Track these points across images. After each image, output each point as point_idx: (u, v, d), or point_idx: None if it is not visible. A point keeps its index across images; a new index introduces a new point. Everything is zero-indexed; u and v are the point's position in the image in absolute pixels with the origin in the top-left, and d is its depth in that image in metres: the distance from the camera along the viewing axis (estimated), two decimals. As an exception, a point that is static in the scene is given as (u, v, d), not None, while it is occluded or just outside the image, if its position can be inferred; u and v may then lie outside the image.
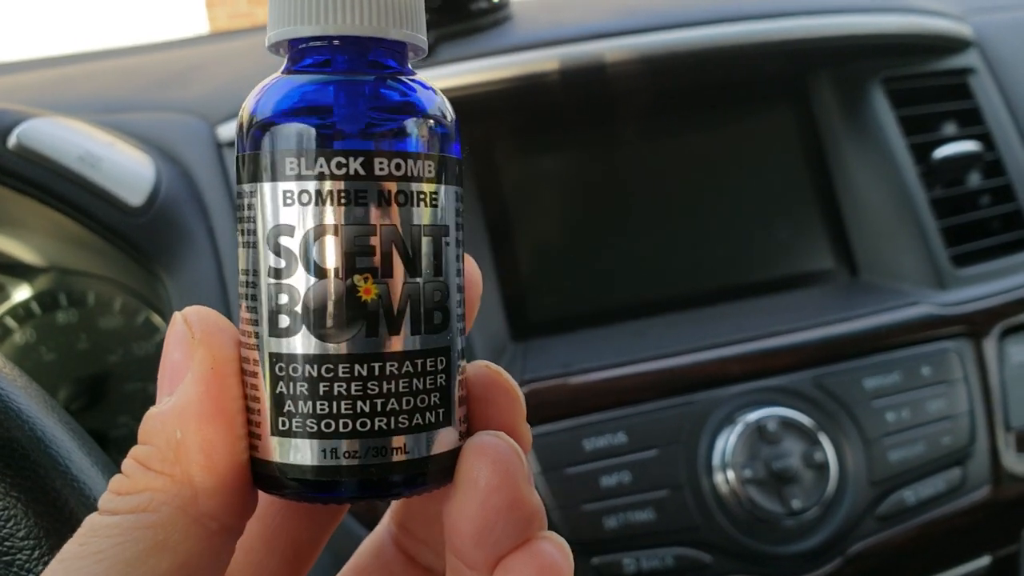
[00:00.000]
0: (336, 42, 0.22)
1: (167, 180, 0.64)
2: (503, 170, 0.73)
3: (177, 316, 0.22)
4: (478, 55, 0.67)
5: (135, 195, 0.62)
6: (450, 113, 0.23)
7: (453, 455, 0.22)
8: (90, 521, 0.21)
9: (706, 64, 0.72)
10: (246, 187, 0.22)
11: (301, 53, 0.23)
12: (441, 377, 0.22)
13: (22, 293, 0.72)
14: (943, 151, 0.75)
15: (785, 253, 0.77)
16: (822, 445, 0.63)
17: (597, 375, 0.64)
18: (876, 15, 0.76)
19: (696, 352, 0.65)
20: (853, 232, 0.77)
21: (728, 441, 0.62)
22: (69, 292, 0.72)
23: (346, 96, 0.22)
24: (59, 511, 0.30)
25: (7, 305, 0.72)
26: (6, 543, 0.29)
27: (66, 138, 0.60)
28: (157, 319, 0.71)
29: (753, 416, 0.63)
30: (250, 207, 0.22)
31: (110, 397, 0.71)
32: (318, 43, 0.22)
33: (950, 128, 0.79)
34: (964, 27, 0.80)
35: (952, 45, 0.79)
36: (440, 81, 0.66)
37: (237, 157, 0.23)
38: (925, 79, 0.78)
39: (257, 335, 0.22)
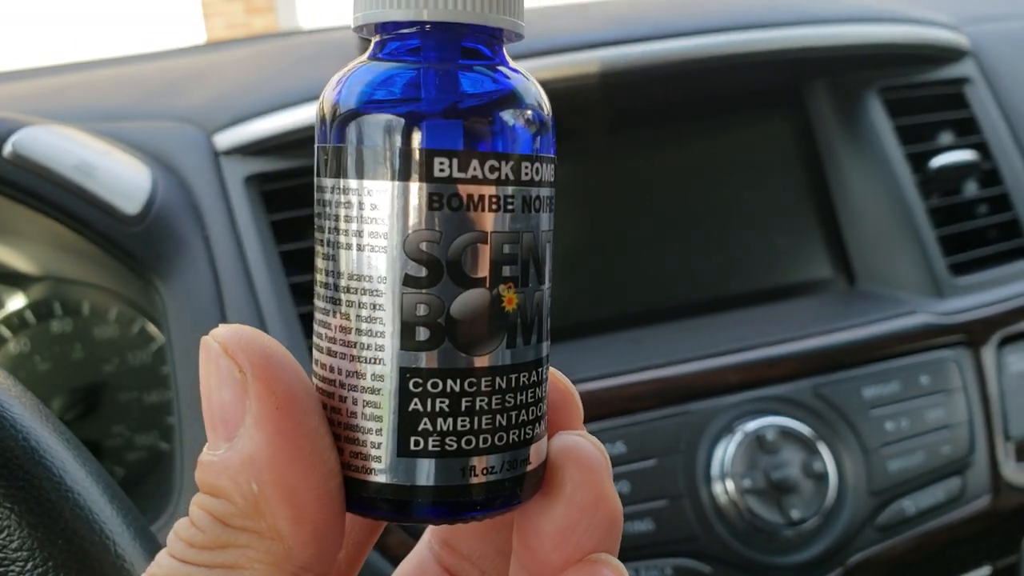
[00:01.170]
0: (428, 27, 0.20)
1: (163, 189, 0.64)
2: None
3: (211, 344, 0.19)
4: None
5: (131, 204, 0.61)
6: (548, 108, 0.22)
7: (544, 467, 0.22)
8: (162, 565, 0.19)
9: (702, 74, 0.73)
10: (354, 183, 0.20)
11: (391, 37, 0.21)
12: (543, 386, 0.22)
13: (16, 302, 0.72)
14: (940, 160, 0.75)
15: (783, 262, 0.77)
16: (821, 455, 0.63)
17: (595, 384, 0.63)
18: (872, 25, 0.76)
19: (694, 361, 0.65)
20: (851, 241, 0.77)
21: (727, 451, 0.62)
22: (64, 301, 0.71)
23: (459, 89, 0.20)
24: (53, 523, 0.30)
25: (1, 314, 0.71)
26: (-1, 555, 0.29)
27: (62, 146, 0.60)
28: (152, 329, 0.71)
29: (752, 425, 0.63)
30: (359, 205, 0.20)
31: (105, 407, 0.71)
32: (409, 28, 0.21)
33: (947, 137, 0.79)
34: (960, 37, 0.80)
35: (948, 55, 0.79)
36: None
37: (324, 148, 0.21)
38: (921, 88, 0.79)
39: (371, 348, 0.20)
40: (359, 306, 0.20)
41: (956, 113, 0.79)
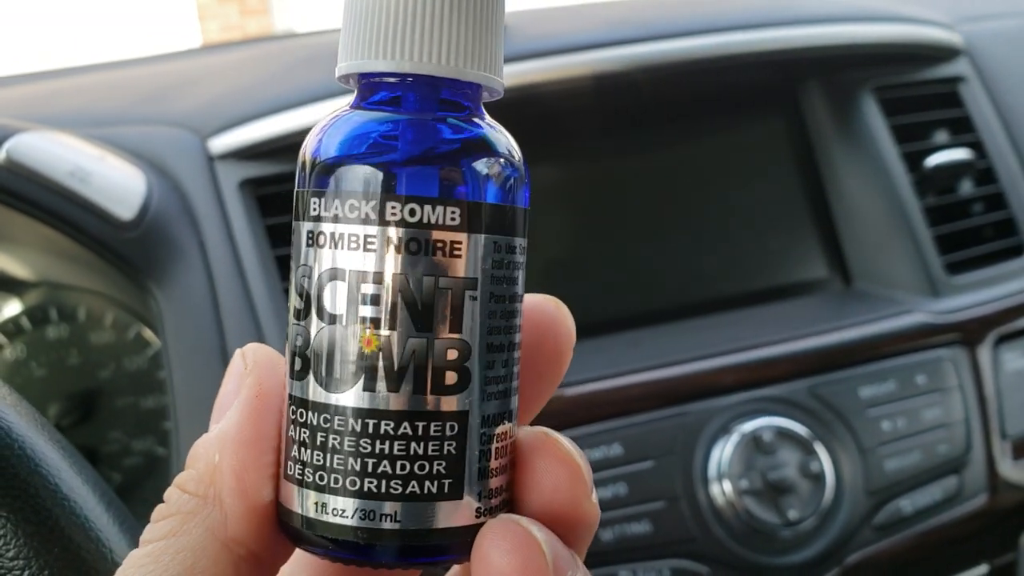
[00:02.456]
0: (409, 80, 0.21)
1: (158, 194, 0.64)
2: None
3: (237, 352, 0.23)
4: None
5: (126, 209, 0.61)
6: (518, 162, 0.22)
7: (468, 532, 0.20)
8: (129, 556, 0.21)
9: (698, 74, 0.73)
10: (293, 224, 0.22)
11: (371, 88, 0.22)
12: (449, 444, 0.20)
13: (12, 308, 0.72)
14: (935, 159, 0.75)
15: (779, 262, 0.77)
16: (818, 455, 0.63)
17: (592, 386, 0.63)
18: (867, 24, 0.76)
19: (691, 362, 0.65)
20: (846, 241, 0.77)
21: (724, 452, 0.62)
22: (60, 307, 0.71)
23: (411, 135, 0.21)
24: (49, 531, 0.30)
25: (-3, 321, 0.71)
26: (-5, 564, 0.29)
27: (56, 152, 0.60)
28: (148, 334, 0.71)
29: (749, 426, 0.63)
30: (296, 246, 0.21)
31: (101, 413, 0.71)
32: (390, 79, 0.21)
33: (941, 136, 0.79)
34: (954, 36, 0.80)
35: (942, 54, 0.79)
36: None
37: (295, 192, 0.22)
38: (916, 88, 0.79)
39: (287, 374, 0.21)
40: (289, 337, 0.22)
41: (951, 112, 0.79)
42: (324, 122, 0.22)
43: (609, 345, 0.70)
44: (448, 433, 0.20)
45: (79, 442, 0.68)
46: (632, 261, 0.75)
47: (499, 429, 0.21)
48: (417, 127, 0.21)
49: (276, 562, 0.22)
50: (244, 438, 0.21)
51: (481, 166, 0.21)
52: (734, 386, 0.65)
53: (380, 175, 0.20)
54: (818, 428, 0.64)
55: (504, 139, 0.22)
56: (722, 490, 0.62)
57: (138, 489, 0.69)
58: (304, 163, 0.21)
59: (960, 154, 0.76)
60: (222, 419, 0.21)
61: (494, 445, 0.21)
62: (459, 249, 0.20)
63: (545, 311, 0.23)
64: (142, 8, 3.85)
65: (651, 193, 0.77)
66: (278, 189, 0.66)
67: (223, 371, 0.61)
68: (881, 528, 0.64)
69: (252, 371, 0.22)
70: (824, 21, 0.75)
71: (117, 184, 0.62)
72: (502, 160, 0.21)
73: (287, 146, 0.66)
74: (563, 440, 0.21)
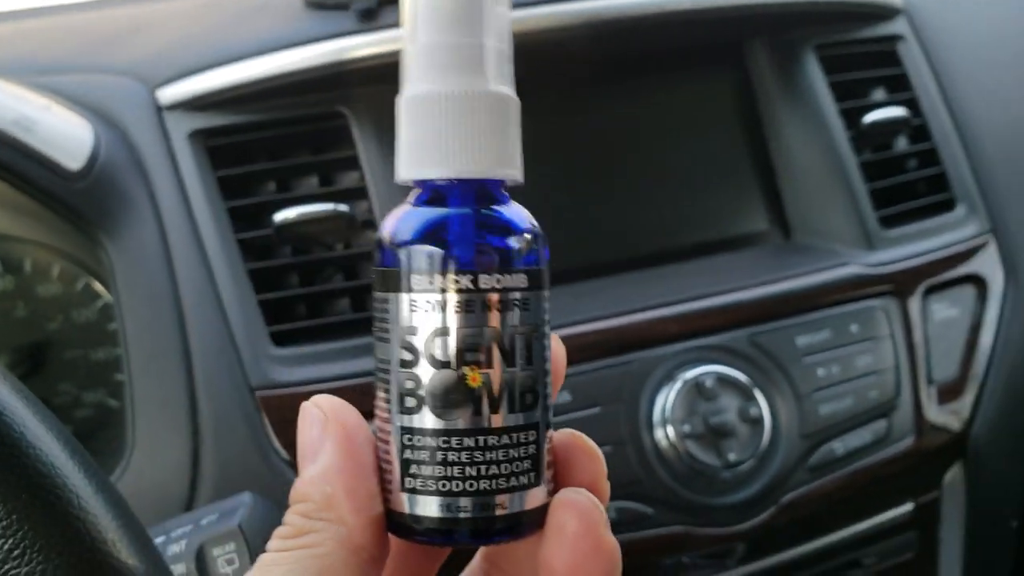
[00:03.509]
0: (455, 181, 0.28)
1: (106, 144, 0.63)
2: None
3: (308, 405, 0.27)
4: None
5: (73, 160, 0.61)
6: (538, 232, 0.28)
7: (543, 509, 0.27)
8: (262, 558, 0.26)
9: (645, 31, 0.73)
10: (381, 295, 0.27)
11: (425, 187, 0.28)
12: (533, 447, 0.27)
13: (-45, 260, 0.71)
14: (872, 116, 0.77)
15: (721, 216, 0.79)
16: (757, 400, 0.66)
17: (541, 336, 0.65)
18: (810, -17, 0.78)
19: (636, 313, 0.67)
20: (787, 195, 0.79)
21: (668, 398, 0.64)
22: (4, 259, 0.70)
23: (460, 225, 0.27)
24: (17, 478, 0.30)
25: (-60, 272, 0.70)
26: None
27: (0, 101, 0.59)
28: (97, 286, 0.70)
29: (691, 374, 0.65)
30: (385, 311, 0.27)
31: (50, 365, 0.71)
32: (441, 181, 0.28)
33: (879, 94, 0.81)
34: (894, -6, 0.82)
35: (882, 12, 0.81)
36: (383, 46, 0.66)
37: (375, 270, 0.27)
38: (856, 46, 0.81)
39: (390, 411, 0.27)
40: (384, 382, 0.27)
41: (889, 70, 0.81)
42: (423, 216, 0.27)
43: (556, 296, 0.70)
44: (531, 439, 0.27)
45: (29, 394, 0.68)
46: (579, 215, 0.76)
47: (550, 432, 0.28)
48: (497, 216, 0.28)
49: (385, 556, 0.27)
50: (347, 469, 0.26)
51: (538, 242, 0.28)
52: (677, 335, 0.67)
53: (470, 255, 0.27)
54: (757, 375, 0.67)
55: (527, 215, 0.29)
56: (666, 434, 0.64)
57: (91, 440, 0.69)
58: (392, 245, 0.27)
59: (896, 111, 0.78)
60: (318, 459, 0.26)
61: (549, 444, 0.28)
62: (528, 305, 0.27)
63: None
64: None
65: (597, 148, 0.78)
66: (228, 140, 0.66)
67: (176, 321, 0.61)
68: (815, 469, 0.68)
69: (333, 417, 0.27)
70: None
71: (64, 134, 0.61)
72: (532, 233, 0.28)
73: (237, 97, 0.66)
74: (585, 437, 0.29)
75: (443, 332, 0.26)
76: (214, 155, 0.66)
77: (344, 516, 0.26)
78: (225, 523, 0.47)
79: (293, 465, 0.59)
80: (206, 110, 0.66)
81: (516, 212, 0.29)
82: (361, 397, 0.61)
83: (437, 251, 0.26)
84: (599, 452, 0.29)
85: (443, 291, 0.26)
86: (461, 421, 0.26)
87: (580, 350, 0.65)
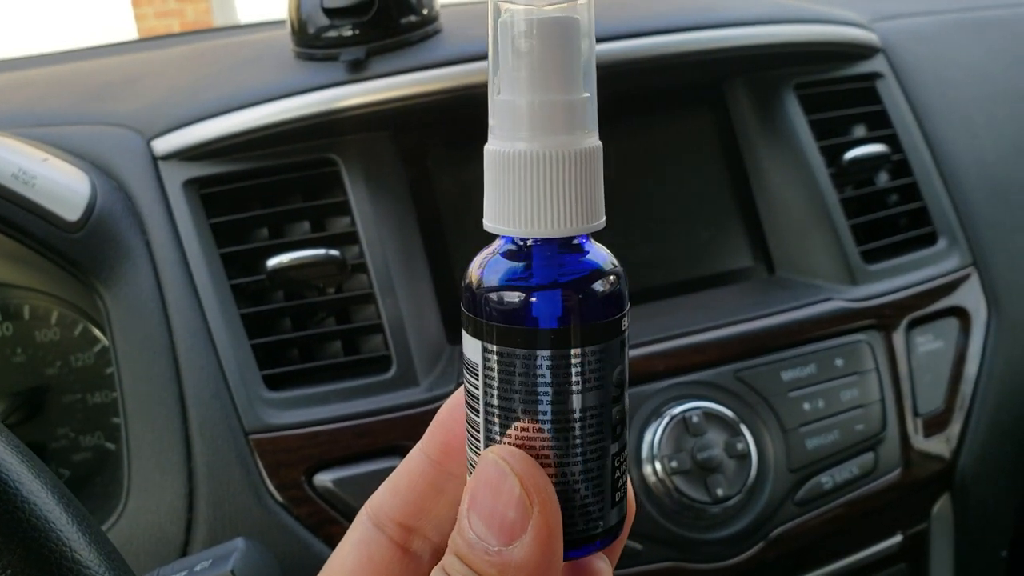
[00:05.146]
0: (538, 241, 0.28)
1: (103, 195, 0.65)
2: (436, 177, 0.75)
3: (503, 466, 0.26)
4: (409, 69, 0.69)
5: (71, 211, 0.62)
6: (618, 265, 0.29)
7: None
8: None
9: (629, 74, 0.75)
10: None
11: (512, 241, 0.29)
12: (626, 465, 0.31)
13: (-45, 308, 0.72)
14: (853, 153, 0.79)
15: (706, 253, 0.81)
16: (744, 435, 0.67)
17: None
18: (788, 25, 0.79)
19: (624, 350, 0.68)
20: (769, 232, 0.81)
21: (655, 434, 0.65)
22: (3, 306, 0.72)
23: (547, 283, 0.28)
24: (12, 532, 0.31)
25: (-60, 320, 0.71)
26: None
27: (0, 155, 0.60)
28: (95, 330, 0.71)
29: (678, 410, 0.66)
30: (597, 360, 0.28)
31: (48, 409, 0.72)
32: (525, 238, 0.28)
33: (859, 131, 0.83)
34: (871, 34, 0.84)
35: (860, 52, 0.83)
36: (371, 95, 0.68)
37: (465, 317, 0.28)
38: (835, 84, 0.82)
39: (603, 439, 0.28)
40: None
41: (868, 107, 0.82)
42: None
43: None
44: (626, 459, 0.30)
45: (27, 439, 0.69)
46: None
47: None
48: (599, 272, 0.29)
49: None
50: (544, 567, 0.25)
51: (622, 286, 0.29)
52: (665, 372, 0.68)
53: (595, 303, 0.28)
54: (743, 410, 0.68)
55: (609, 256, 0.29)
56: (654, 470, 0.65)
57: (89, 483, 0.70)
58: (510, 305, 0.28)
59: (876, 148, 0.79)
60: (512, 544, 0.25)
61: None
62: (626, 345, 0.29)
63: None
64: (75, -9, 3.76)
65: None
66: (222, 188, 0.68)
67: (171, 366, 0.62)
68: (803, 503, 0.68)
69: (541, 512, 0.26)
70: (749, 23, 0.78)
71: (62, 186, 0.63)
72: (616, 275, 0.29)
73: (230, 146, 0.68)
74: None
75: (623, 374, 0.29)
76: (208, 203, 0.67)
77: None
78: (218, 568, 0.48)
79: (286, 508, 0.60)
80: (200, 159, 0.68)
81: (599, 257, 0.30)
82: (356, 439, 0.63)
83: (520, 304, 0.28)
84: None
85: (618, 335, 0.29)
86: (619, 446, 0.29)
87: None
